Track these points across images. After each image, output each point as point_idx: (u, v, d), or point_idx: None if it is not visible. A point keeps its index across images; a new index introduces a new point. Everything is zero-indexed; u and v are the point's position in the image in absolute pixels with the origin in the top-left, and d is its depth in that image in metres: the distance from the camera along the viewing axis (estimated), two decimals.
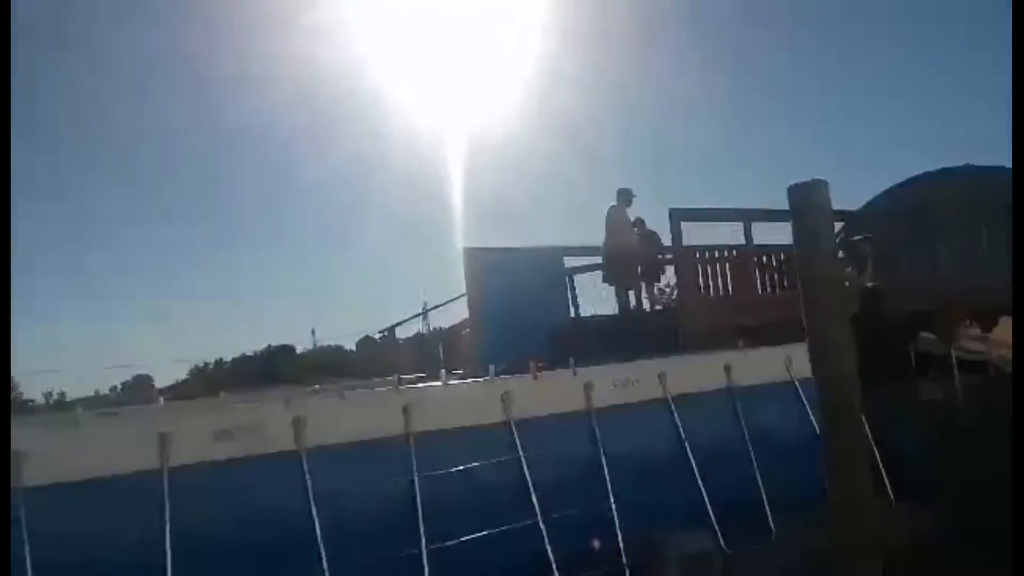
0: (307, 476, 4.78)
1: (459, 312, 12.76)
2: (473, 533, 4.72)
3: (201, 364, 30.33)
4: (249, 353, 28.84)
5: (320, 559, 4.53)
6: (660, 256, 11.36)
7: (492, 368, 6.23)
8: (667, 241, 10.01)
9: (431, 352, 12.93)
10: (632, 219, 11.14)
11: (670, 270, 12.10)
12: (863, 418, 2.13)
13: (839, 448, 2.01)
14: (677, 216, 9.29)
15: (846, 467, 1.99)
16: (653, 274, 11.47)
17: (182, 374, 28.57)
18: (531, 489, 5.21)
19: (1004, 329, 13.06)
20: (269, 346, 28.33)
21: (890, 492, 5.13)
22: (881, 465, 5.14)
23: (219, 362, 30.79)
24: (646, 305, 11.58)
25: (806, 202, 2.14)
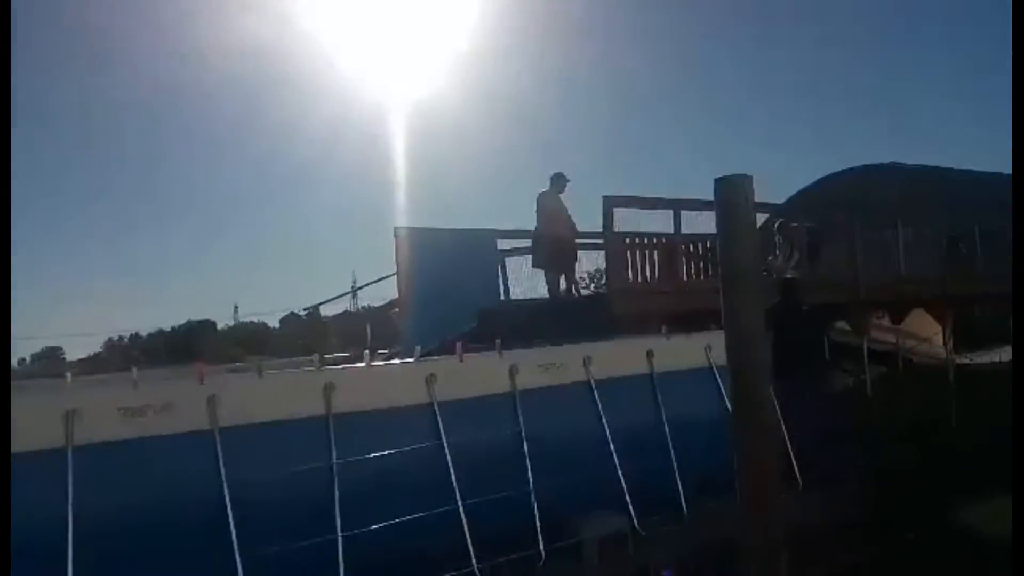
0: (220, 457, 4.64)
1: (389, 292, 12.65)
2: (391, 519, 4.63)
3: (116, 338, 29.31)
4: (167, 328, 27.99)
5: (232, 544, 4.41)
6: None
7: (418, 349, 6.18)
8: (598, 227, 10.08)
9: (358, 331, 12.79)
10: (567, 205, 11.21)
11: (585, 256, 12.28)
12: (775, 406, 2.17)
13: (749, 435, 2.05)
14: (609, 203, 9.38)
15: (755, 454, 2.03)
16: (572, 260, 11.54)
17: (95, 347, 27.54)
18: (452, 473, 5.18)
19: (914, 320, 13.70)
20: (189, 321, 27.54)
21: (799, 479, 5.32)
22: (791, 453, 5.32)
23: (135, 336, 29.81)
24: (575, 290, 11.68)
25: (731, 195, 2.15)
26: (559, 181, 11.12)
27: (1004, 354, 15.19)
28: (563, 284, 11.30)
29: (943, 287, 12.99)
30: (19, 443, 4.18)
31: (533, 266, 11.51)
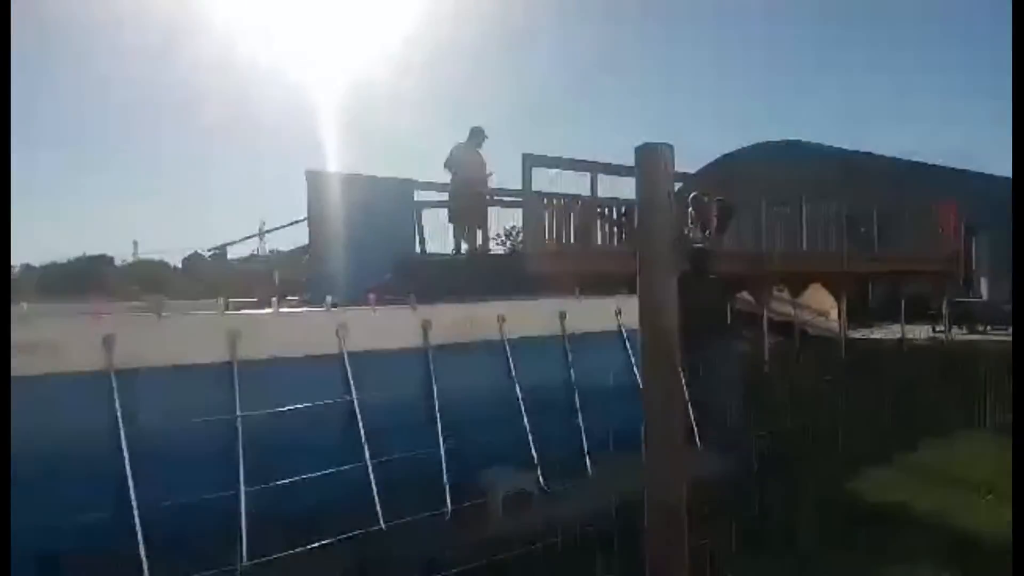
0: (116, 401, 4.44)
1: (299, 237, 12.35)
2: (296, 474, 4.54)
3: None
4: (61, 260, 26.49)
5: (129, 496, 4.26)
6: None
7: (328, 298, 6.06)
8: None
9: (265, 276, 12.45)
10: (485, 160, 11.15)
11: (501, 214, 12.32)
12: (680, 371, 2.24)
13: (657, 396, 2.11)
14: (529, 162, 9.39)
15: (662, 414, 2.09)
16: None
17: None
18: (361, 428, 5.13)
19: (811, 295, 14.38)
20: (84, 255, 26.14)
21: (698, 440, 5.54)
22: (692, 415, 5.53)
23: (26, 267, 28.08)
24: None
25: (650, 163, 2.17)
26: (476, 135, 11.05)
27: (892, 331, 16.13)
28: (478, 239, 11.29)
29: (841, 264, 13.65)
30: None
31: (448, 220, 11.46)
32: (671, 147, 2.22)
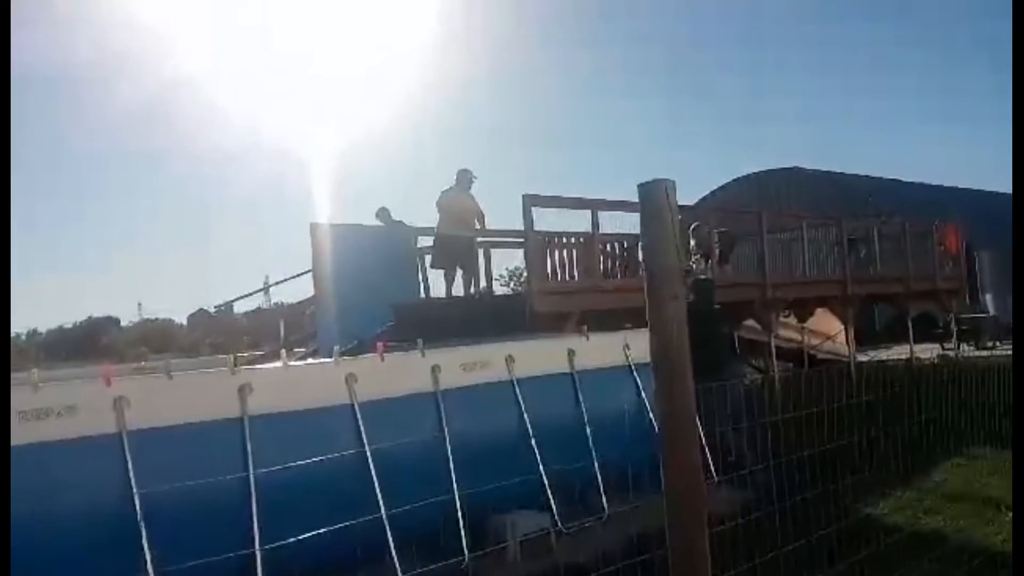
0: (128, 462, 4.43)
1: (303, 290, 12.39)
2: (311, 527, 4.48)
3: (12, 335, 27.70)
4: (68, 325, 26.59)
5: (143, 558, 4.22)
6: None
7: (336, 348, 6.07)
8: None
9: (271, 330, 12.46)
10: (477, 201, 11.22)
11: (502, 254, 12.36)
12: (695, 404, 2.24)
13: (673, 431, 2.11)
14: (528, 201, 9.45)
15: (679, 450, 2.09)
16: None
17: None
18: (374, 478, 5.10)
19: (818, 319, 14.35)
20: (90, 317, 26.23)
21: (713, 472, 5.49)
22: (705, 447, 5.48)
23: (32, 333, 28.24)
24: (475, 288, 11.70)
25: (654, 199, 2.21)
26: (463, 178, 11.14)
27: (899, 351, 16.07)
28: (464, 283, 11.31)
29: (844, 288, 13.65)
30: None
31: (431, 266, 11.52)
32: (673, 183, 2.26)
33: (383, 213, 11.63)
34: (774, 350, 12.17)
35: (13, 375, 8.14)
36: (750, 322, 12.49)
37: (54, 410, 4.48)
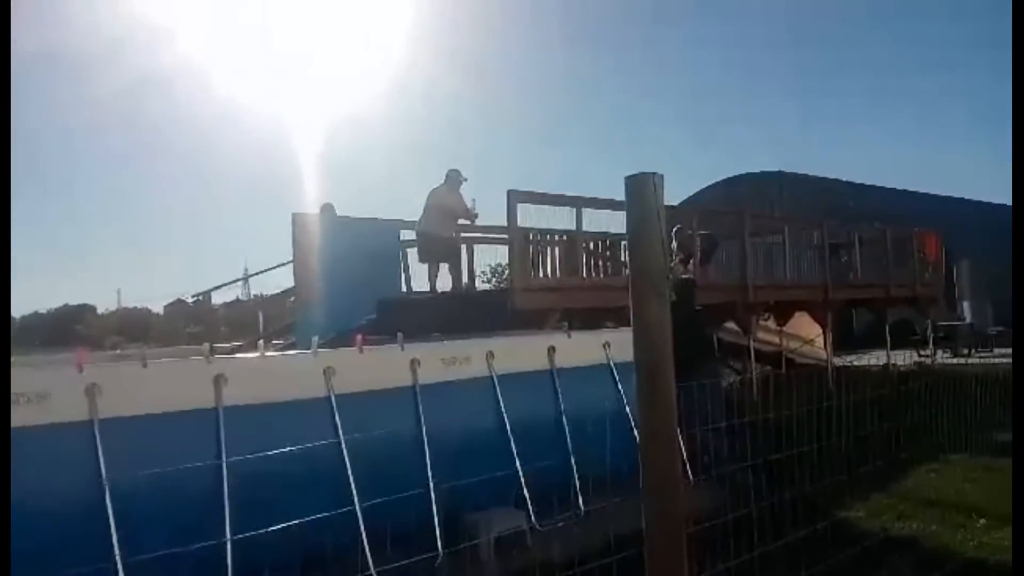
0: (99, 450, 4.35)
1: (282, 281, 12.31)
2: (283, 519, 4.40)
3: None
4: (42, 311, 26.22)
5: (111, 546, 4.15)
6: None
7: (315, 340, 6.01)
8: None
9: (249, 321, 12.37)
10: (466, 200, 11.20)
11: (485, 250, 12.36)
12: (676, 403, 2.22)
13: (654, 431, 2.08)
14: (514, 198, 9.42)
15: (659, 449, 2.07)
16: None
17: None
18: (349, 471, 5.05)
19: (797, 323, 14.44)
20: (66, 304, 25.88)
21: (689, 473, 5.48)
22: (682, 447, 5.47)
23: None
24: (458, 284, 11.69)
25: (640, 193, 2.17)
26: (452, 177, 11.11)
27: (877, 357, 16.21)
28: (453, 278, 11.31)
29: (825, 292, 13.74)
30: None
31: (419, 260, 11.51)
32: (661, 176, 2.22)
33: (327, 209, 11.57)
34: (753, 352, 12.22)
35: None
36: (730, 324, 12.54)
37: (25, 396, 4.39)
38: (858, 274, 15.31)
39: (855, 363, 15.71)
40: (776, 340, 14.02)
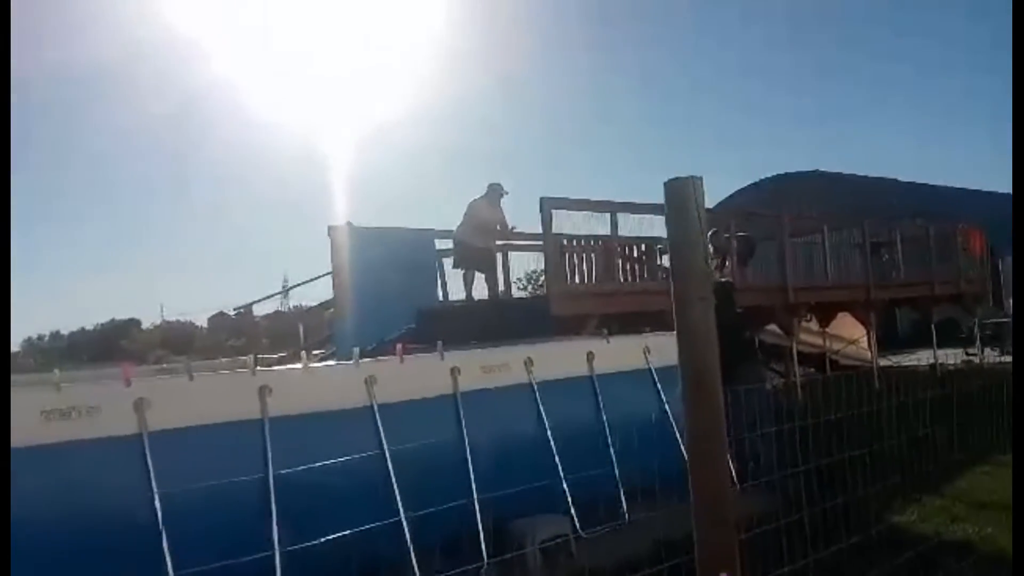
0: (149, 463, 4.44)
1: (322, 292, 12.44)
2: (330, 528, 4.45)
3: (35, 336, 28.00)
4: (89, 327, 26.84)
5: (163, 558, 4.20)
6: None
7: (356, 350, 6.06)
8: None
9: (290, 332, 12.51)
10: (505, 214, 11.21)
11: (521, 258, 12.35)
12: (723, 409, 2.18)
13: (701, 437, 2.05)
14: (548, 204, 9.42)
15: (708, 455, 2.04)
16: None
17: (13, 346, 26.33)
18: (393, 481, 5.07)
19: (840, 323, 14.19)
20: (112, 319, 26.43)
21: (735, 478, 5.41)
22: (729, 452, 5.40)
23: (55, 335, 28.53)
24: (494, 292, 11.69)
25: (681, 197, 2.14)
26: (493, 192, 11.12)
27: (923, 357, 15.85)
28: (489, 286, 11.33)
29: (867, 292, 13.48)
30: None
31: (453, 266, 11.55)
32: (700, 180, 2.20)
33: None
34: (796, 355, 12.03)
35: (36, 376, 8.22)
36: (771, 326, 12.37)
37: (77, 410, 4.50)
38: (901, 272, 14.99)
39: (901, 363, 15.39)
40: (819, 341, 13.79)
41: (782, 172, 32.31)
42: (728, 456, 2.26)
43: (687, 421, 2.19)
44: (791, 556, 3.29)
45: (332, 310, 11.86)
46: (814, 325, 13.73)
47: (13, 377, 7.83)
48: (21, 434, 4.19)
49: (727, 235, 11.51)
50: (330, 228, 11.20)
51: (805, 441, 4.54)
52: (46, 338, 27.96)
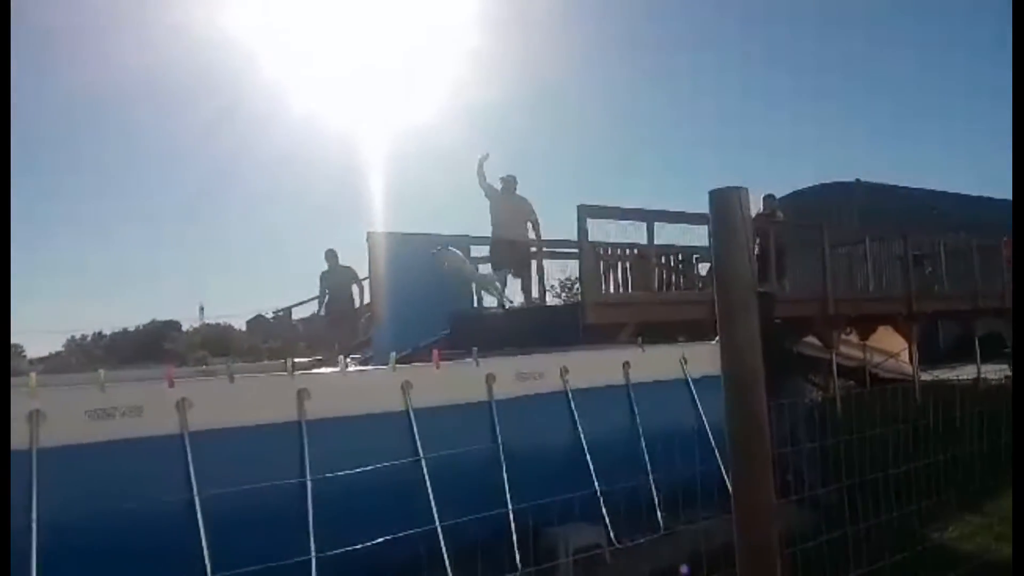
0: (190, 462, 4.52)
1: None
2: (365, 532, 4.48)
3: (78, 336, 28.66)
4: (131, 328, 27.38)
5: (202, 555, 4.28)
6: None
7: (393, 355, 6.10)
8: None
9: (326, 336, 12.62)
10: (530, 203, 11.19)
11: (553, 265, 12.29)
12: (767, 421, 2.16)
13: (745, 447, 2.03)
14: (584, 212, 9.40)
15: (751, 465, 2.02)
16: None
17: (56, 346, 26.94)
18: (428, 487, 5.10)
19: (880, 336, 13.91)
20: (153, 321, 26.92)
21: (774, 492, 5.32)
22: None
23: (98, 335, 29.15)
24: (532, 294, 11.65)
25: (726, 208, 2.13)
26: (509, 182, 11.12)
27: (966, 371, 15.48)
28: (524, 290, 11.30)
29: (909, 304, 13.22)
30: None
31: (493, 268, 11.53)
32: (746, 191, 2.19)
33: (330, 255, 11.79)
34: (835, 368, 11.83)
35: (80, 375, 8.39)
36: (810, 338, 12.18)
37: (120, 410, 4.60)
38: (944, 285, 14.68)
39: (942, 378, 15.05)
40: (859, 354, 13.53)
41: (823, 182, 31.82)
42: (771, 469, 2.23)
43: (729, 432, 2.17)
44: (834, 572, 3.23)
45: (369, 315, 11.97)
46: (854, 337, 13.49)
47: (58, 376, 8.05)
48: (66, 433, 4.32)
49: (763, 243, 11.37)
50: (369, 234, 11.32)
51: (847, 456, 4.47)
52: (88, 338, 28.56)
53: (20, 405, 4.34)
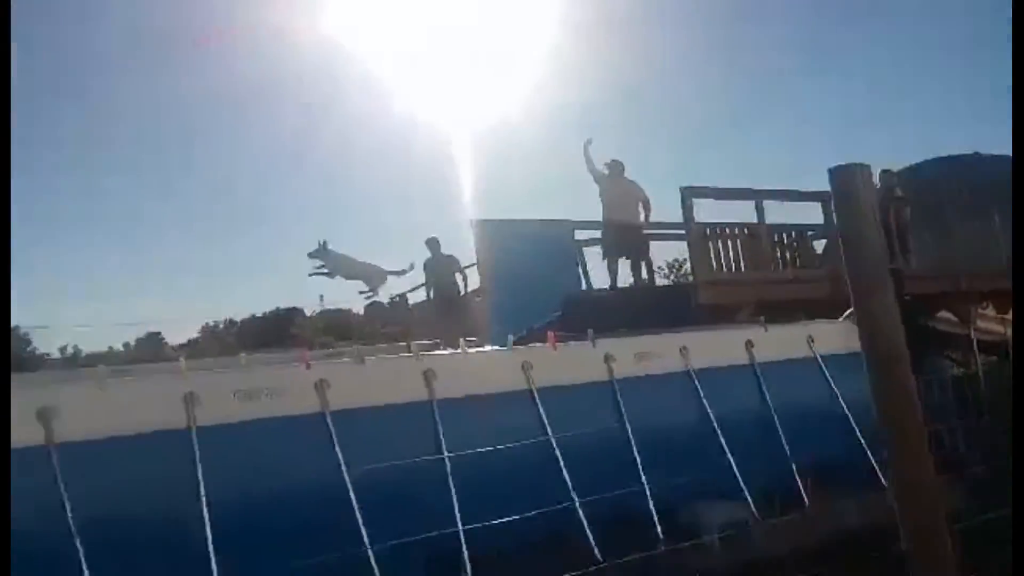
0: (334, 440, 4.76)
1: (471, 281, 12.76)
2: (504, 511, 4.62)
3: (212, 323, 30.42)
4: (258, 314, 28.83)
5: (358, 527, 4.48)
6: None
7: (511, 337, 6.22)
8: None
9: (439, 321, 12.93)
10: (641, 187, 11.05)
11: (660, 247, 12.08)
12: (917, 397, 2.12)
13: (899, 425, 2.00)
14: (688, 194, 9.27)
15: (908, 443, 1.99)
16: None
17: (193, 333, 28.72)
18: (562, 465, 5.18)
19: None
20: (277, 308, 28.24)
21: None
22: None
23: (230, 322, 30.87)
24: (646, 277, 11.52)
25: (849, 185, 2.11)
26: (616, 166, 11.00)
27: None
28: (634, 272, 11.18)
29: None
30: (144, 423, 4.42)
31: (603, 257, 11.44)
32: (868, 167, 2.16)
33: (432, 243, 11.81)
34: (975, 342, 11.20)
35: (220, 359, 8.95)
36: (943, 314, 11.58)
37: (263, 391, 4.90)
38: None
39: None
40: (999, 329, 12.74)
41: (939, 155, 29.87)
42: (926, 445, 2.18)
43: (880, 410, 2.14)
44: (1003, 553, 3.10)
45: (480, 299, 12.18)
46: (991, 312, 12.71)
47: (200, 361, 8.61)
48: (214, 413, 4.64)
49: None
50: (474, 221, 11.51)
51: (990, 432, 4.28)
52: (221, 326, 30.33)
53: (174, 387, 4.69)
